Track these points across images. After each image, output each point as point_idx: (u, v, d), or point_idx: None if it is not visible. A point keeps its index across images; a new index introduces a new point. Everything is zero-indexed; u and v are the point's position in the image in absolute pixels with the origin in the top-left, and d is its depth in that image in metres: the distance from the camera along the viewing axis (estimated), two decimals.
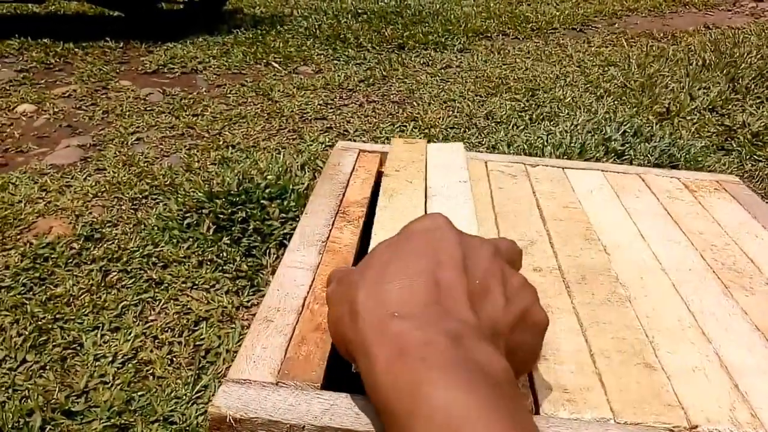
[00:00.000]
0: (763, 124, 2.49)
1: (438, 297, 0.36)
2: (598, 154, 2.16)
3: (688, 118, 2.59)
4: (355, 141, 2.27)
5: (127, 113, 2.57)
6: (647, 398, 0.48)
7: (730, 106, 2.70)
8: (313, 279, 0.61)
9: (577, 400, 0.47)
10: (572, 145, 2.22)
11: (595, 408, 0.46)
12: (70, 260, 1.61)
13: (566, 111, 2.64)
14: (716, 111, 2.68)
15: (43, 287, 1.52)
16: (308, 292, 0.58)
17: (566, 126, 2.42)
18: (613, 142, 2.24)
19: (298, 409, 0.45)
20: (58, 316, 1.43)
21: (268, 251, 1.66)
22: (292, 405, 0.45)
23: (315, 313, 0.55)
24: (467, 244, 0.40)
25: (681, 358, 0.53)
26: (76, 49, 3.34)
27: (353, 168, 0.87)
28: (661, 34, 4.03)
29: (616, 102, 2.77)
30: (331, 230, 0.70)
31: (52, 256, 1.62)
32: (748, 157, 2.30)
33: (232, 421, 0.44)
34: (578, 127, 2.40)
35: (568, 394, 0.48)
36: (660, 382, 0.50)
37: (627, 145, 2.25)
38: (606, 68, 3.26)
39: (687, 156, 2.20)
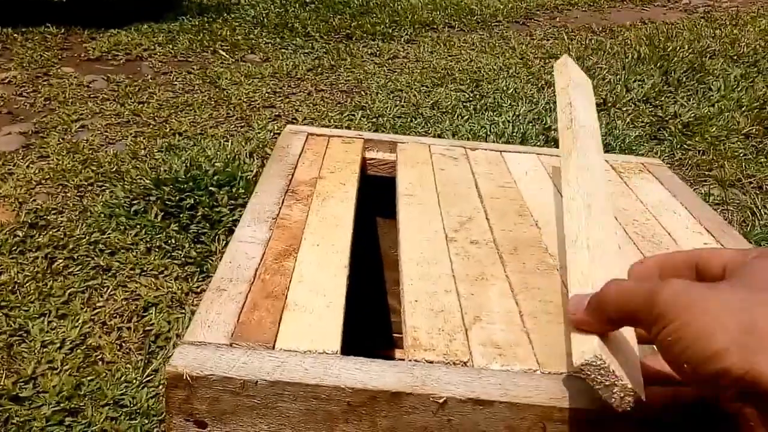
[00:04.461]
0: (693, 115, 2.62)
1: None
2: (538, 143, 2.24)
3: (624, 108, 2.71)
4: None
5: (70, 100, 2.53)
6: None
7: (663, 98, 2.83)
8: (264, 252, 0.64)
9: (507, 354, 0.52)
10: (514, 134, 2.29)
11: (523, 361, 0.51)
12: (14, 248, 1.59)
13: (509, 102, 2.72)
14: (650, 102, 2.80)
15: None
16: (259, 264, 0.62)
17: (509, 116, 2.50)
18: (553, 132, 2.33)
19: (251, 366, 0.48)
20: (2, 303, 1.41)
21: (217, 237, 1.68)
22: (245, 363, 0.48)
23: (266, 283, 0.59)
24: None
25: None
26: (15, 35, 3.25)
27: (302, 150, 0.90)
28: (600, 28, 4.16)
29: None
30: (281, 208, 0.73)
31: None
32: (678, 146, 2.42)
33: (189, 379, 0.47)
34: (520, 117, 2.48)
35: (500, 349, 0.53)
36: None
37: None
38: (547, 60, 3.36)
39: (622, 145, 2.30)
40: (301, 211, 0.73)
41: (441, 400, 0.47)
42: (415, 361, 0.51)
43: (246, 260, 0.62)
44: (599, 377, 0.43)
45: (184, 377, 0.47)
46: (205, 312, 0.54)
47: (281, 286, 0.59)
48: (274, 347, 0.51)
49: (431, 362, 0.50)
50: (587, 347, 0.43)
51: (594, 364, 0.42)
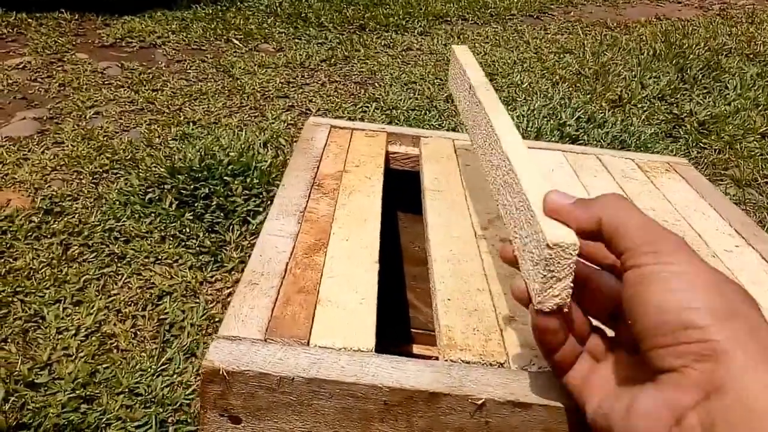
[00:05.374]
0: (708, 113, 2.60)
1: None
2: (553, 139, 2.23)
3: (639, 105, 2.69)
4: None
5: (85, 86, 2.53)
6: None
7: (678, 95, 2.81)
8: (294, 246, 0.63)
9: None
10: (529, 129, 2.28)
11: None
12: (30, 233, 1.59)
13: (523, 96, 2.70)
14: (665, 99, 2.78)
15: (2, 260, 1.50)
16: (290, 258, 0.61)
17: (523, 111, 2.48)
18: (567, 128, 2.31)
19: (287, 363, 0.48)
20: (18, 289, 1.42)
21: (231, 227, 1.68)
22: (281, 359, 0.48)
23: (298, 278, 0.58)
24: None
25: None
26: (30, 20, 3.25)
27: (326, 143, 0.90)
28: (615, 24, 4.13)
29: (570, 88, 2.84)
30: (307, 201, 0.73)
31: (11, 229, 1.60)
32: (694, 144, 2.40)
33: (225, 374, 0.47)
34: (534, 112, 2.47)
35: (536, 350, 0.52)
36: None
37: (581, 131, 2.32)
38: (562, 55, 3.34)
39: (637, 142, 2.28)
40: (328, 205, 0.72)
41: (479, 402, 0.46)
42: (452, 361, 0.50)
43: (276, 254, 0.62)
44: (557, 266, 0.41)
45: (221, 372, 0.47)
46: (239, 306, 0.53)
47: (313, 281, 0.58)
48: (308, 343, 0.50)
49: (468, 363, 0.50)
50: (566, 232, 0.41)
51: (566, 249, 0.40)
